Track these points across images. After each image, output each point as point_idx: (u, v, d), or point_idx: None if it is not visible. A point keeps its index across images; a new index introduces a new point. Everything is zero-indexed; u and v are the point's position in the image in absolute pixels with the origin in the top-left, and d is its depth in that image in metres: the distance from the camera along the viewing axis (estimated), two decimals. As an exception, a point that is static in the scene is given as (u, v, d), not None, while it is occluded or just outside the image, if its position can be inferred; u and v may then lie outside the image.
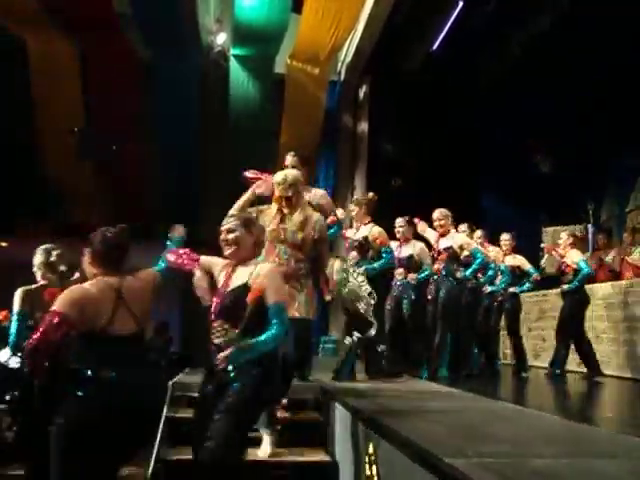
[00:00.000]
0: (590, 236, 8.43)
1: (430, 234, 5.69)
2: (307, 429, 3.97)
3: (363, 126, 10.27)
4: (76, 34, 8.42)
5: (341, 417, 3.68)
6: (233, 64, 9.61)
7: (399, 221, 5.77)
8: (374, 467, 2.82)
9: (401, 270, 5.59)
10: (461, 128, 9.69)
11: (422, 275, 5.62)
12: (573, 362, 6.82)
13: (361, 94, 10.38)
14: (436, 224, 5.64)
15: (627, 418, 3.85)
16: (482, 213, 9.84)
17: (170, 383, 4.33)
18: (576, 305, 6.10)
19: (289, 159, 4.66)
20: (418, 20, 8.84)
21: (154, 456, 3.59)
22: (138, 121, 9.15)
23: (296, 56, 9.20)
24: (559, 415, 3.31)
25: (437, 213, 5.64)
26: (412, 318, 5.56)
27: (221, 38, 9.43)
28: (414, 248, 5.70)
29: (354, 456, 3.25)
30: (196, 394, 4.22)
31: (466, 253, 5.65)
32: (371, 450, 2.88)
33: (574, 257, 6.28)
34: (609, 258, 7.30)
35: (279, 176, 4.03)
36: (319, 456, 3.76)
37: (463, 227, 6.21)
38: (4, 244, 10.01)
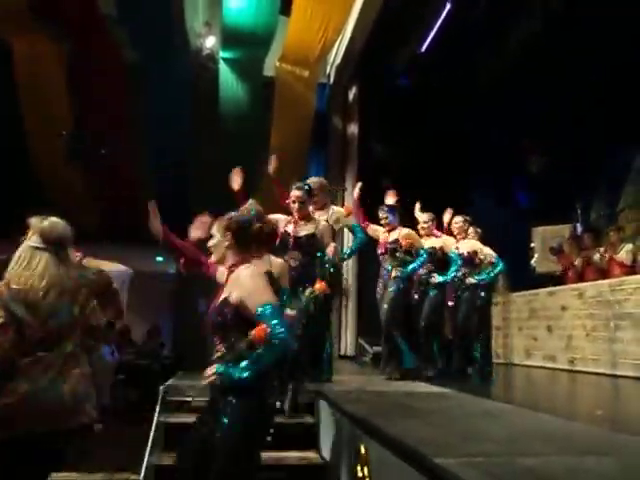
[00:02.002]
0: (579, 235, 8.49)
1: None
2: (299, 431, 3.97)
3: (353, 128, 10.27)
4: (62, 36, 8.39)
5: (332, 418, 3.69)
6: (222, 67, 9.60)
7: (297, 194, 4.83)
8: (365, 468, 2.83)
9: (297, 252, 4.76)
10: (451, 128, 9.71)
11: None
12: (565, 360, 6.88)
13: (351, 96, 10.39)
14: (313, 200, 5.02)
15: (617, 416, 3.87)
16: (472, 213, 9.87)
17: (162, 387, 4.32)
18: (489, 299, 5.99)
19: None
20: (408, 20, 8.84)
21: (145, 461, 3.58)
22: (127, 124, 9.12)
23: (285, 58, 9.21)
24: (549, 413, 3.32)
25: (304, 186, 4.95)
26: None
27: (210, 41, 9.42)
28: (316, 227, 4.82)
29: (345, 457, 3.25)
30: (187, 398, 4.23)
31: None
32: (362, 451, 2.88)
33: (489, 251, 6.00)
34: (596, 257, 7.36)
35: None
36: (311, 458, 3.77)
37: (419, 210, 5.92)
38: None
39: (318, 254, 4.63)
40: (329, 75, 10.39)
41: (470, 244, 5.96)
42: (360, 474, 2.87)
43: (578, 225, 8.63)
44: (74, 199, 9.60)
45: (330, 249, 4.48)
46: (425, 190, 6.33)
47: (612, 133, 8.47)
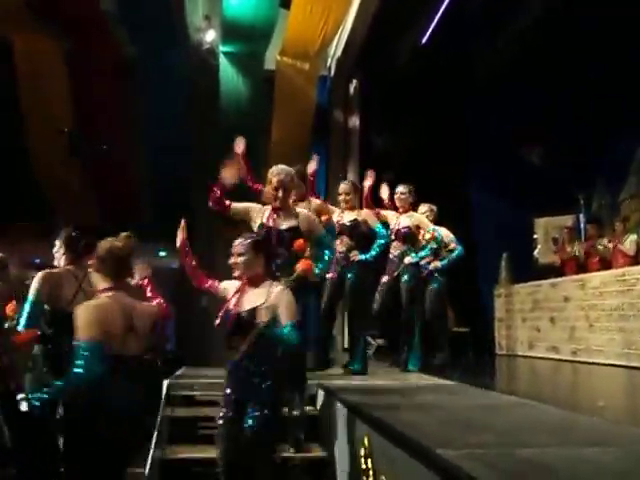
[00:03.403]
0: (582, 226, 8.47)
1: None
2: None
3: (354, 121, 10.25)
4: (63, 34, 8.38)
5: (336, 412, 3.70)
6: (223, 61, 9.58)
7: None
8: (369, 460, 2.84)
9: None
10: (453, 120, 9.69)
11: None
12: (568, 351, 6.87)
13: (352, 89, 10.36)
14: None
15: (619, 407, 3.87)
16: (474, 205, 9.88)
17: (166, 382, 4.34)
18: (445, 286, 5.57)
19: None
20: (408, 12, 8.80)
21: (151, 455, 3.61)
22: (128, 121, 9.13)
23: (285, 52, 9.17)
24: (550, 404, 3.33)
25: None
26: None
27: (210, 35, 9.39)
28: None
29: (350, 450, 3.27)
30: (191, 393, 4.26)
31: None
32: (366, 444, 2.90)
33: (446, 232, 5.61)
34: (600, 247, 7.34)
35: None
36: (315, 451, 3.78)
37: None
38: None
39: None
40: (330, 68, 10.35)
41: (414, 219, 5.35)
42: (364, 466, 2.88)
43: (581, 216, 8.61)
44: (73, 197, 9.62)
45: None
46: (427, 181, 6.29)
47: (614, 123, 8.44)
